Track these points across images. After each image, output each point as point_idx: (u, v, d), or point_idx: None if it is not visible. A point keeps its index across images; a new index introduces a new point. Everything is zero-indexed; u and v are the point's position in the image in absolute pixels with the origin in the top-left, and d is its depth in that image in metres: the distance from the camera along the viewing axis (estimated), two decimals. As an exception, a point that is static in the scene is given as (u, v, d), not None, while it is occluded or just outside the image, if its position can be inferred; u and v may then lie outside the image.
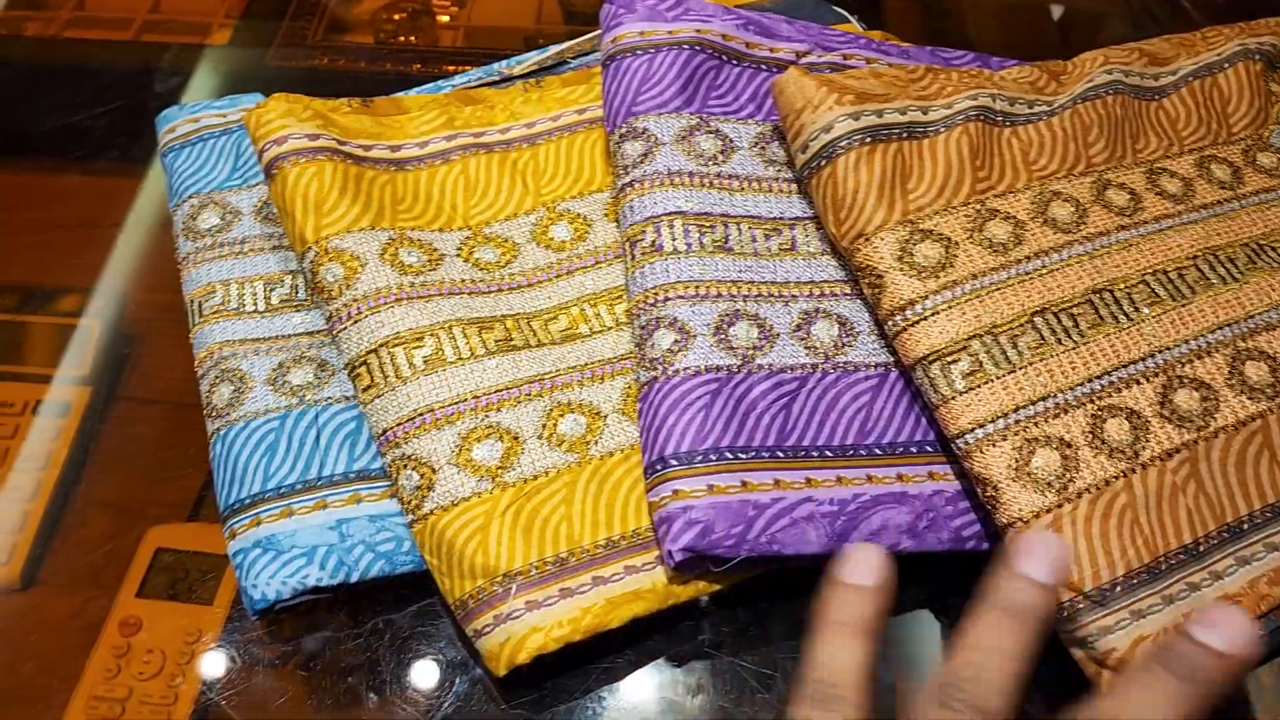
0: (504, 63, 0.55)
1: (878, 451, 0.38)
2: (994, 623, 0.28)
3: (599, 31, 0.56)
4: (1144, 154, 0.44)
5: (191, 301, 0.45)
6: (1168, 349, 0.38)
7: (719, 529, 0.35)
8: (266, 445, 0.40)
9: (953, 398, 0.36)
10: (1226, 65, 0.48)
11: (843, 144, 0.39)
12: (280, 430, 0.41)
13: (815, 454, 0.37)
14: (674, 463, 0.36)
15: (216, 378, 0.42)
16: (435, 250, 0.42)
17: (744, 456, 0.36)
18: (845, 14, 0.59)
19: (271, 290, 0.44)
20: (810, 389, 0.38)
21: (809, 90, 0.40)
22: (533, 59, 0.53)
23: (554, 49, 0.55)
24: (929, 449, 0.39)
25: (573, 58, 0.53)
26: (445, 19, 0.71)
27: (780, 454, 0.37)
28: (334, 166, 0.42)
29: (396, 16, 0.69)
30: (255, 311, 0.44)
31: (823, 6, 0.59)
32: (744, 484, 0.35)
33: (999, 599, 0.28)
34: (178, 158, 0.48)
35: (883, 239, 0.38)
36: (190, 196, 0.47)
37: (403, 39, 0.68)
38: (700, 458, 0.35)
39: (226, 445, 0.40)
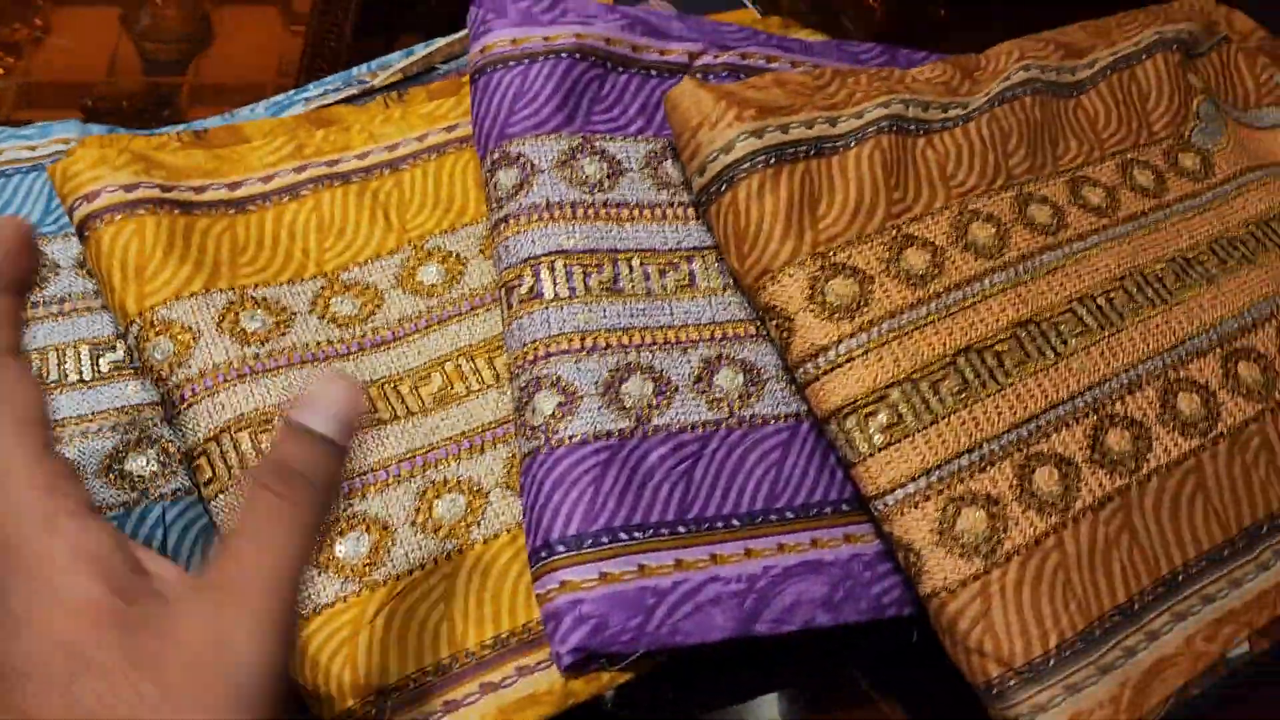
0: (364, 67, 0.49)
1: (789, 515, 0.34)
2: (265, 507, 0.22)
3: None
4: (1065, 161, 0.41)
5: None
6: (1097, 385, 0.35)
7: (614, 623, 0.30)
8: None
9: (870, 455, 0.33)
10: (1145, 57, 0.45)
11: (744, 166, 0.35)
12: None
13: (721, 525, 0.33)
14: (560, 548, 0.31)
15: None
16: (284, 309, 0.36)
17: (640, 536, 0.32)
18: (743, -2, 0.54)
19: (100, 355, 0.38)
20: (714, 449, 0.34)
21: (706, 104, 0.36)
22: (396, 65, 0.47)
23: (420, 51, 0.49)
24: (845, 508, 0.35)
25: (442, 62, 0.47)
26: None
27: (681, 529, 0.33)
28: (157, 221, 0.35)
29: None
30: (80, 382, 0.37)
31: (719, -11, 0.54)
32: (641, 568, 0.31)
33: (270, 469, 0.22)
34: None
35: (791, 276, 0.34)
36: None
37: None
38: (590, 541, 0.31)
39: None
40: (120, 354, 0.38)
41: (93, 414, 0.37)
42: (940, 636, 0.32)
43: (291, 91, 0.48)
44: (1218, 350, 0.37)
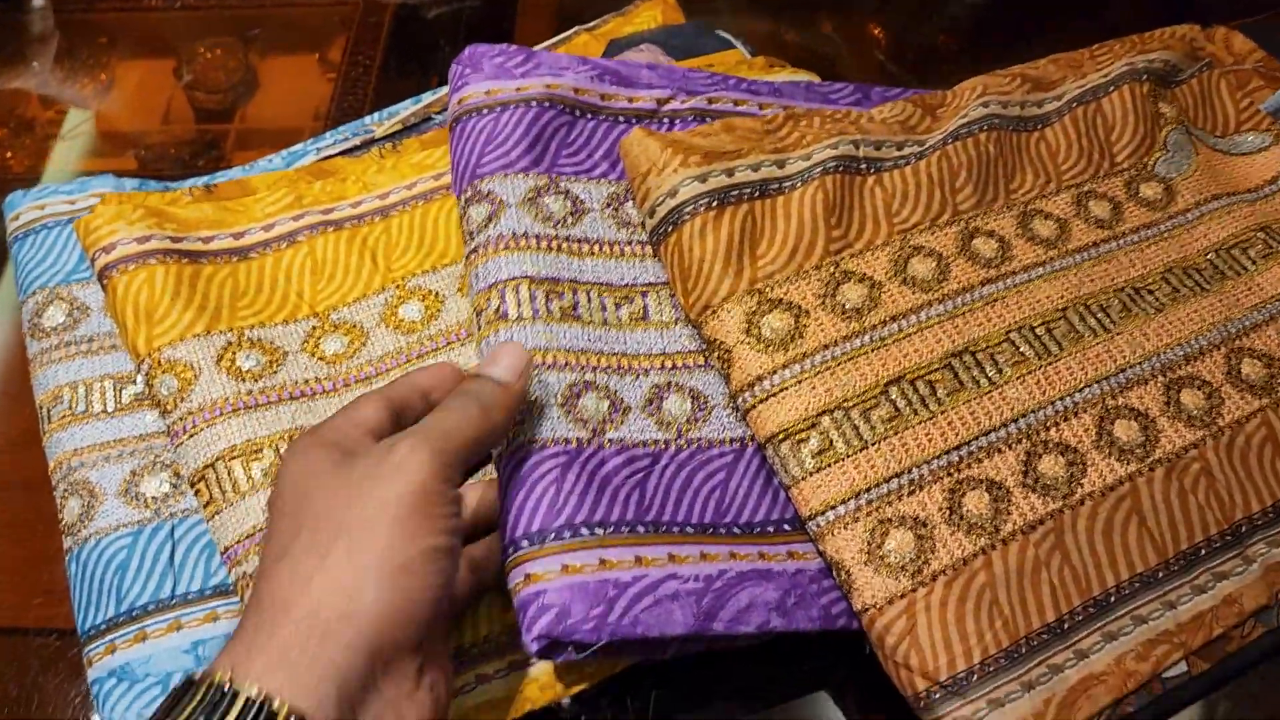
0: (375, 116, 0.53)
1: (737, 531, 0.36)
2: (444, 407, 0.32)
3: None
4: (1018, 195, 0.42)
5: (41, 408, 0.42)
6: (1032, 412, 0.37)
7: (576, 612, 0.32)
8: (118, 564, 0.38)
9: (803, 479, 0.35)
10: (1112, 88, 0.46)
11: (688, 209, 0.37)
12: (133, 547, 0.39)
13: (677, 529, 0.35)
14: (525, 544, 0.33)
15: (66, 491, 0.40)
16: (277, 349, 0.40)
17: (601, 532, 0.34)
18: (730, 39, 0.57)
19: (122, 389, 0.42)
20: (664, 465, 0.36)
21: (653, 151, 0.38)
22: (400, 114, 0.51)
23: (426, 99, 0.53)
24: (786, 528, 0.37)
25: (439, 112, 0.51)
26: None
27: (641, 528, 0.35)
28: (166, 270, 0.40)
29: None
30: (104, 412, 0.41)
31: (706, 34, 0.57)
32: (602, 562, 0.34)
33: (456, 391, 0.33)
34: (22, 247, 0.45)
35: (729, 311, 0.36)
36: (35, 291, 0.44)
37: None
38: (553, 535, 0.33)
39: (80, 565, 0.39)
40: (140, 386, 0.42)
41: (114, 441, 0.41)
42: (874, 650, 0.34)
43: (308, 141, 0.52)
44: (1159, 378, 0.38)
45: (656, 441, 0.37)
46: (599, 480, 0.35)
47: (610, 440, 0.36)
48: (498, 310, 0.37)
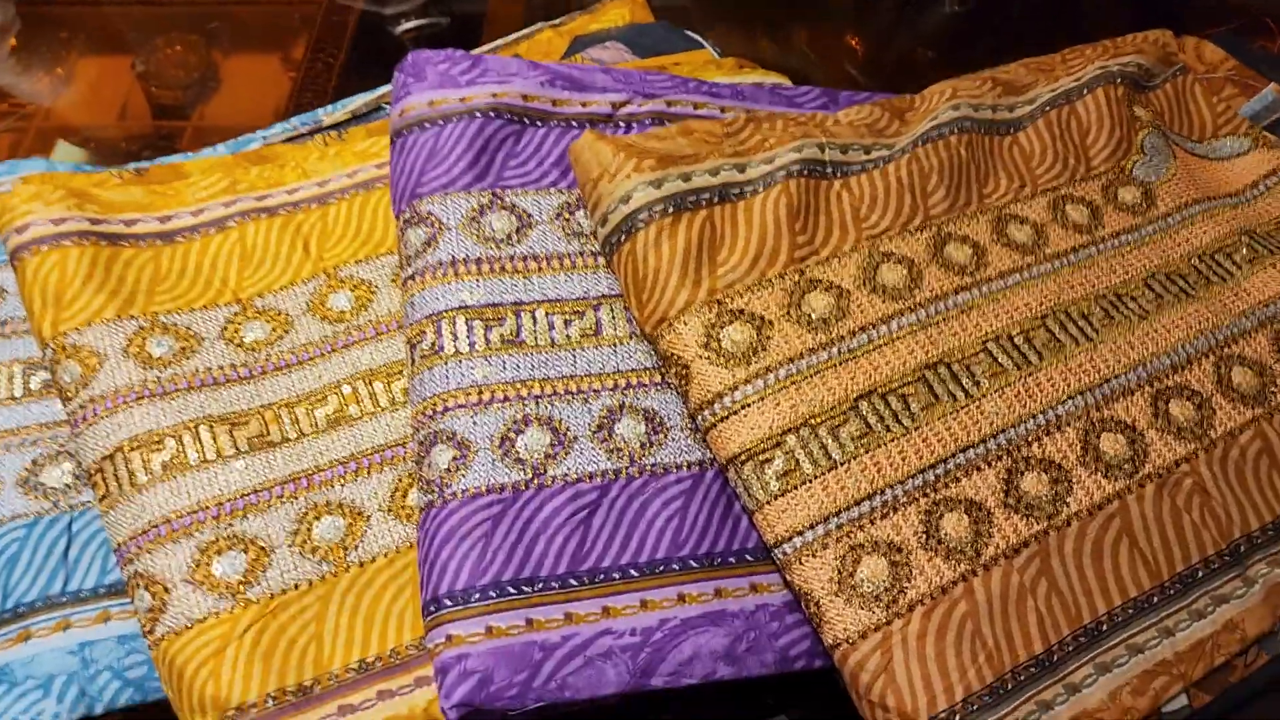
0: (330, 107, 0.51)
1: (693, 564, 0.33)
2: None
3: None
4: (992, 199, 0.40)
5: None
6: (1012, 427, 0.34)
7: (499, 678, 0.30)
8: (8, 558, 0.36)
9: (767, 502, 0.32)
10: (1085, 91, 0.45)
11: (642, 216, 0.35)
12: (25, 540, 0.36)
13: (618, 575, 0.33)
14: (448, 603, 0.31)
15: None
16: (191, 334, 0.38)
17: (529, 591, 0.31)
18: (698, 39, 0.55)
19: (31, 374, 0.40)
20: (614, 498, 0.34)
21: (605, 156, 0.36)
22: (350, 105, 0.49)
23: (379, 90, 0.50)
24: (749, 558, 0.34)
25: (389, 103, 0.49)
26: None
27: (573, 582, 0.32)
28: (81, 252, 0.37)
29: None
30: (10, 398, 0.39)
31: (674, 33, 0.55)
32: (529, 622, 0.31)
33: None
34: None
35: (687, 323, 0.34)
36: None
37: None
38: (478, 595, 0.31)
39: None
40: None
41: (18, 428, 0.39)
42: (847, 689, 0.31)
43: (255, 134, 0.49)
44: (1147, 389, 0.36)
45: (605, 473, 0.34)
46: (535, 528, 0.33)
47: (553, 478, 0.33)
48: (433, 346, 0.35)
